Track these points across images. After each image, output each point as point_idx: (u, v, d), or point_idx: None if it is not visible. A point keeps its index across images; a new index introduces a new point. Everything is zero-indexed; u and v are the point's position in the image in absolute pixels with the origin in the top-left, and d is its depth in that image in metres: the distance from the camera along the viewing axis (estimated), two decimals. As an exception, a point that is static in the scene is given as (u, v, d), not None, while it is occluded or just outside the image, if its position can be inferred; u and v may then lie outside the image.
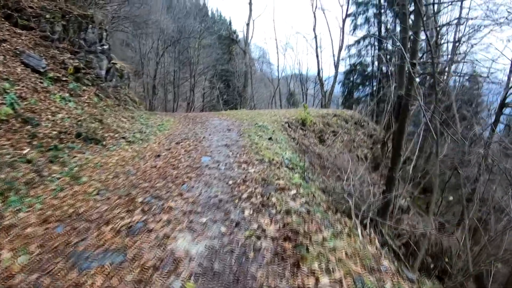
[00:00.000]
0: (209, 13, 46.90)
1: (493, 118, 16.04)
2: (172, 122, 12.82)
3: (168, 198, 3.98)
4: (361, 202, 4.77)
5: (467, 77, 20.32)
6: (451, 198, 14.12)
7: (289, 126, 13.82)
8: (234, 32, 38.52)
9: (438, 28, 16.82)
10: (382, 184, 7.94)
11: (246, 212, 3.50)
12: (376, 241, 3.59)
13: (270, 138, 8.89)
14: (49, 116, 6.68)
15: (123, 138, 7.80)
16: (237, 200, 3.88)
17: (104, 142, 7.11)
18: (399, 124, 4.92)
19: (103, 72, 11.61)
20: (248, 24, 25.99)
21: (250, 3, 26.40)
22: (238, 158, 6.29)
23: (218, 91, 30.91)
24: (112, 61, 13.11)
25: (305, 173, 6.19)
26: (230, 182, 4.67)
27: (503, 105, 15.39)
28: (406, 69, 5.14)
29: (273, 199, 3.85)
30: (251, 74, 31.01)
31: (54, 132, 6.20)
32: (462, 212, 10.71)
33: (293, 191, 4.27)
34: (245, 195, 4.03)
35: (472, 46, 16.53)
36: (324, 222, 3.37)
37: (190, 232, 3.06)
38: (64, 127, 6.66)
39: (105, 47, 12.02)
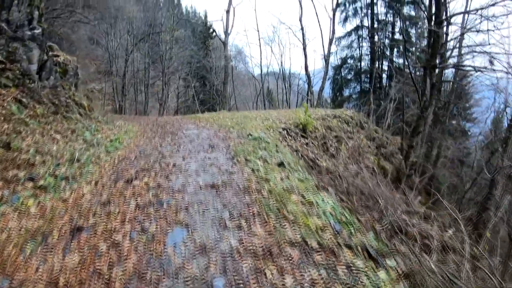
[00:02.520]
0: (183, 10, 42.92)
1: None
2: (133, 134, 9.40)
3: None
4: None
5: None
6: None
7: (287, 133, 10.70)
8: (210, 26, 35.14)
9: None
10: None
11: None
12: None
13: (281, 164, 5.65)
14: None
15: (31, 179, 4.38)
16: None
17: (-19, 197, 3.71)
18: None
19: (34, 67, 8.11)
20: (228, 12, 22.23)
21: (231, -13, 22.67)
22: (247, 235, 2.99)
23: (193, 90, 27.30)
24: (51, 52, 9.65)
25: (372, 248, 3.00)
26: None
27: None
28: None
29: None
30: (232, 69, 27.43)
31: None
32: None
33: None
34: None
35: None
36: None
37: None
38: None
39: (37, 31, 8.43)
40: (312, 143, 11.75)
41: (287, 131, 10.73)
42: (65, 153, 5.83)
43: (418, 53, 24.64)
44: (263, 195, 3.92)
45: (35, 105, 7.19)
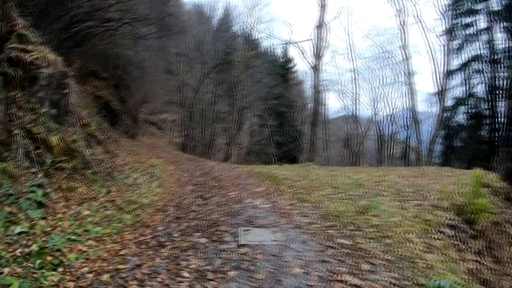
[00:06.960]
0: (261, 49, 39.44)
1: None
2: (120, 226, 4.73)
3: None
4: None
5: None
6: None
7: (458, 239, 5.38)
8: (290, 60, 31.37)
9: None
10: None
11: None
12: None
13: None
14: None
15: None
16: None
17: None
18: None
19: None
20: (319, 27, 17.38)
21: (322, -2, 17.63)
22: None
23: (269, 130, 22.68)
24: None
25: None
26: None
27: None
28: None
29: None
30: (324, 105, 22.20)
31: None
32: None
33: None
34: None
35: None
36: None
37: None
38: None
39: None
40: (484, 250, 6.22)
41: (456, 231, 5.39)
42: None
43: None
44: None
45: None
